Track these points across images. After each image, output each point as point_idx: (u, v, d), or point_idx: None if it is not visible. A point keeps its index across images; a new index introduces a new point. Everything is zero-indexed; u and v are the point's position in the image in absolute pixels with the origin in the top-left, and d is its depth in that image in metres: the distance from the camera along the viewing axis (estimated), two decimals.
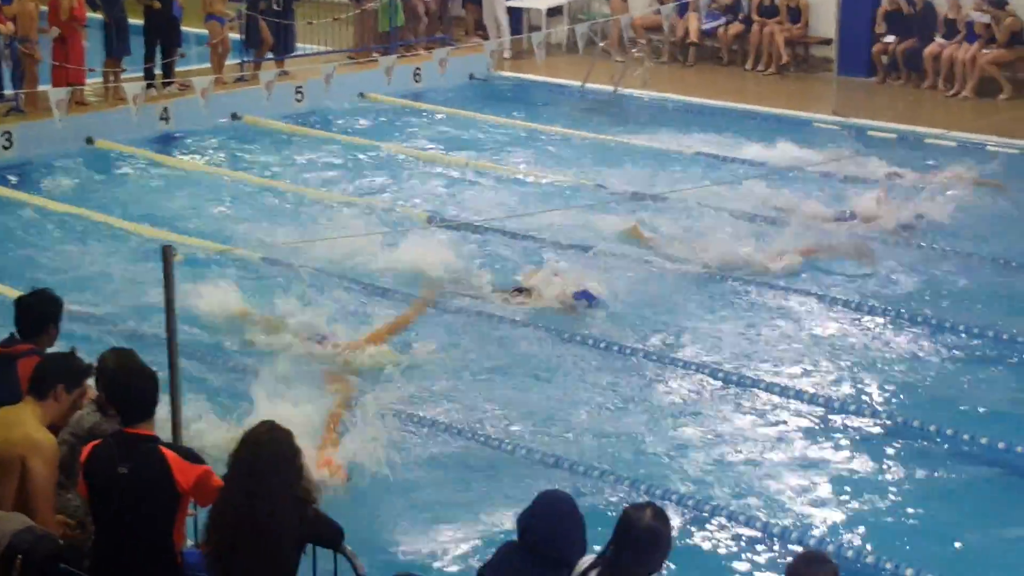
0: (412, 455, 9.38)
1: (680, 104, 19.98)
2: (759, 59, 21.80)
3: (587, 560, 5.50)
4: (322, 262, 13.13)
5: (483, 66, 21.91)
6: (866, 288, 12.76)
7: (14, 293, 9.91)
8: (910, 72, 20.56)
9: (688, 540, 8.40)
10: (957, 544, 8.53)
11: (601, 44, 22.00)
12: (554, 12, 23.53)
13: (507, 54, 22.78)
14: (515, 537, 5.77)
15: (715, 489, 9.08)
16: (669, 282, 12.86)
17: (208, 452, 7.46)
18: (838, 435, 9.90)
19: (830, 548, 8.09)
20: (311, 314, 11.63)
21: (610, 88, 20.50)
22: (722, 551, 8.41)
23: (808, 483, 9.22)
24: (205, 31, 19.83)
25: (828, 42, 21.59)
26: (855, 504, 8.96)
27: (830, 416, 10.15)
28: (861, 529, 8.64)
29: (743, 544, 8.46)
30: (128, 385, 6.36)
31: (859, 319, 12.02)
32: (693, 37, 22.27)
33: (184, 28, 19.80)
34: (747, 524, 8.59)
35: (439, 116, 19.67)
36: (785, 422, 10.11)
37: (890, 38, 20.67)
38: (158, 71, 18.99)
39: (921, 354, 11.25)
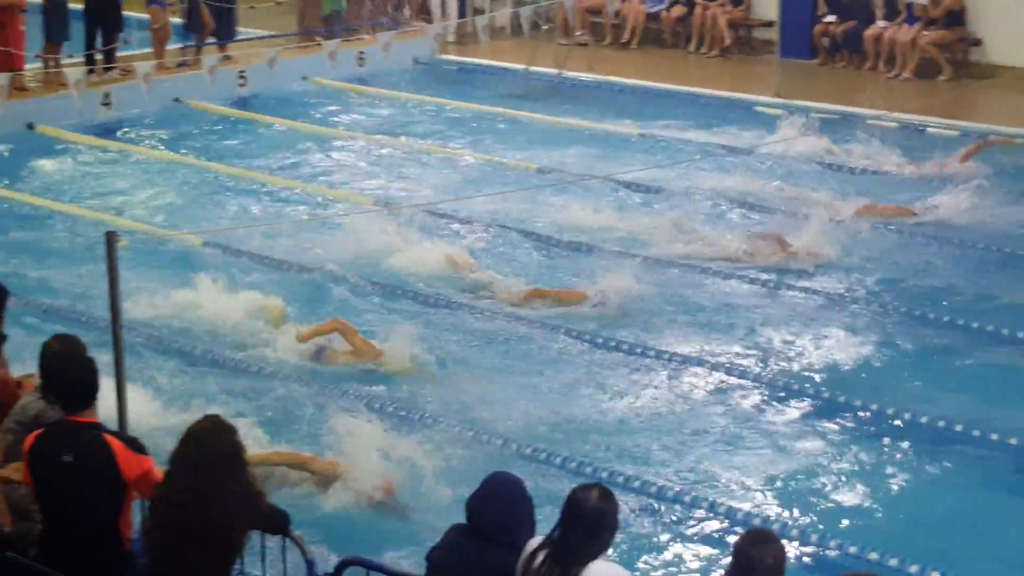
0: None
1: (624, 87, 19.97)
2: (702, 42, 21.86)
3: (536, 541, 5.50)
4: (267, 248, 13.04)
5: (427, 50, 21.82)
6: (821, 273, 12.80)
7: None
8: (851, 54, 20.69)
9: (636, 521, 8.40)
10: (906, 522, 8.60)
11: (545, 27, 21.99)
12: None
13: (451, 38, 22.72)
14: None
15: (661, 470, 9.08)
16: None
17: None
18: (788, 416, 9.94)
19: (776, 527, 8.10)
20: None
21: (555, 71, 20.49)
22: (668, 531, 8.40)
23: (757, 463, 9.24)
24: (146, 16, 19.63)
25: (770, 24, 21.74)
26: (804, 485, 8.99)
27: (778, 396, 10.20)
28: (809, 509, 8.67)
29: (689, 524, 8.47)
30: (67, 371, 6.25)
31: (809, 302, 12.09)
32: (636, 20, 22.30)
33: (125, 13, 19.54)
34: (693, 504, 8.61)
35: (383, 100, 19.59)
36: (732, 403, 10.14)
37: (831, 19, 20.79)
38: (99, 56, 18.79)
39: (871, 336, 11.31)
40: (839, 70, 20.60)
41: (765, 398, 10.21)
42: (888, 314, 11.73)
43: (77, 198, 14.93)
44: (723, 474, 9.10)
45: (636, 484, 8.81)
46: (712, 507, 8.57)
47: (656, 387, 10.37)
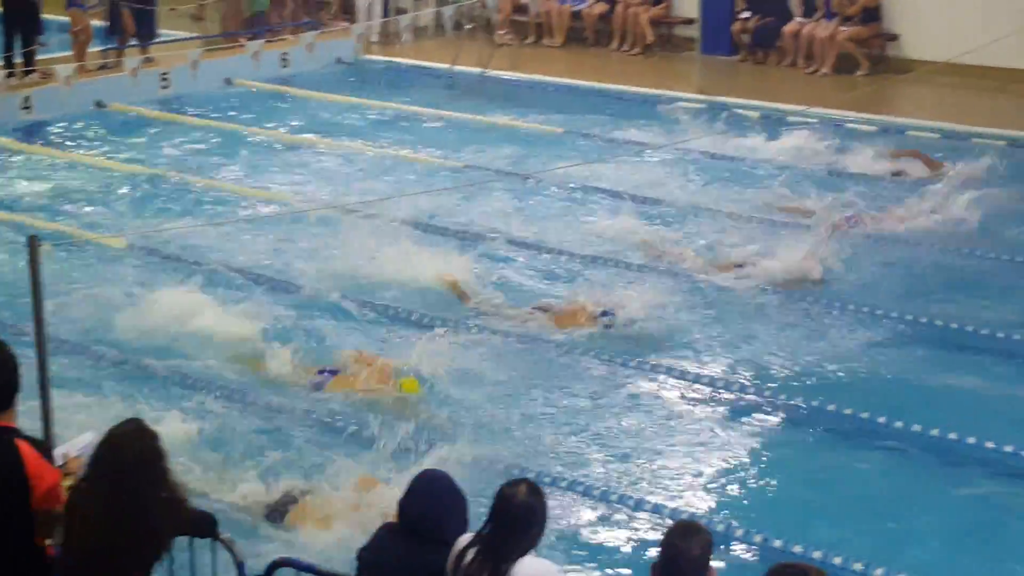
0: None
1: (548, 85, 19.99)
2: (624, 39, 21.93)
3: (465, 539, 5.48)
4: (192, 249, 12.91)
5: (351, 50, 21.72)
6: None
7: None
8: (770, 50, 20.85)
9: (568, 518, 8.37)
10: (841, 520, 8.55)
11: (468, 26, 21.95)
12: None
13: (375, 38, 22.63)
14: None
15: (590, 468, 9.05)
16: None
17: None
18: (722, 413, 9.92)
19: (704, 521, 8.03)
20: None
21: (479, 70, 20.47)
22: (598, 527, 8.37)
23: (686, 461, 9.21)
24: (67, 18, 19.40)
25: (691, 22, 21.85)
26: (739, 480, 8.99)
27: (715, 395, 10.19)
28: (742, 505, 8.69)
29: (618, 520, 8.43)
30: None
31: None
32: (559, 19, 22.33)
33: (45, 16, 19.24)
34: (620, 502, 8.56)
35: (307, 100, 19.45)
36: (665, 402, 10.14)
37: (747, 14, 20.93)
38: (18, 60, 18.49)
39: (821, 336, 11.22)
40: (759, 66, 20.75)
41: (701, 396, 10.18)
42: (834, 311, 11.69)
43: None
44: (656, 471, 9.05)
45: (564, 483, 8.76)
46: (639, 504, 8.53)
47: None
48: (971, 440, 9.25)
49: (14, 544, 5.78)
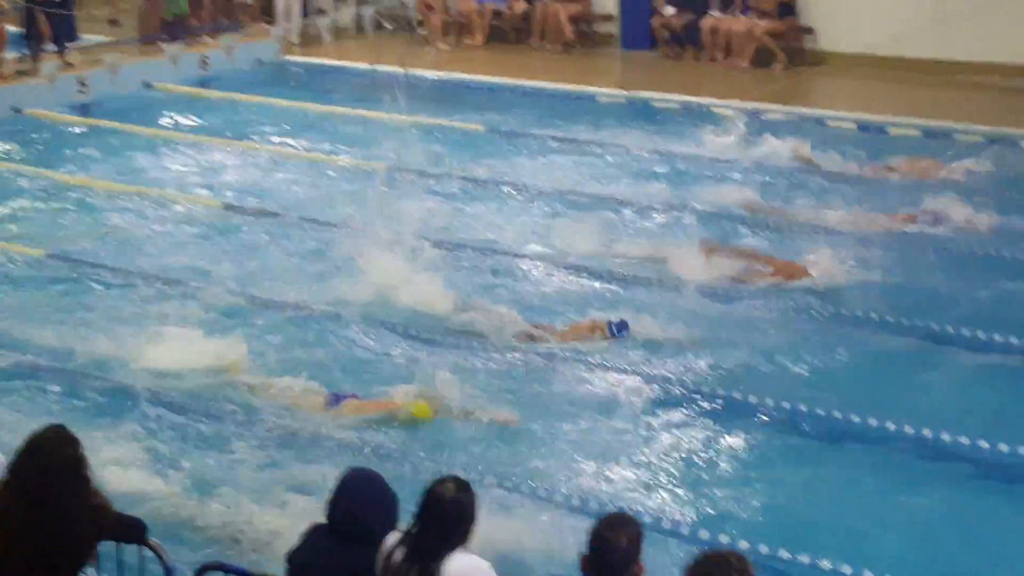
0: None
1: (471, 83, 19.98)
2: (544, 37, 21.94)
3: (394, 537, 5.43)
4: (117, 257, 12.75)
5: (271, 52, 21.58)
6: None
7: None
8: (690, 45, 20.94)
9: (496, 515, 8.26)
10: (772, 510, 8.48)
11: (389, 27, 21.89)
12: None
13: (295, 39, 22.46)
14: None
15: (515, 462, 8.92)
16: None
17: None
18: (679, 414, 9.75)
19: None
20: None
21: (400, 70, 20.36)
22: (523, 523, 8.11)
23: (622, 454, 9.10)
24: None
25: (610, 18, 21.91)
26: (668, 473, 8.91)
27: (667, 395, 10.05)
28: (671, 497, 8.61)
29: (543, 515, 8.21)
30: None
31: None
32: (479, 18, 22.29)
33: None
34: (547, 498, 8.44)
35: (228, 103, 19.28)
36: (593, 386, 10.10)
37: (669, 11, 21.02)
38: None
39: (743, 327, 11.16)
40: (679, 61, 20.83)
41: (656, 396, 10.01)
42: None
43: None
44: (577, 466, 8.93)
45: (489, 480, 8.63)
46: (567, 500, 8.42)
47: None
48: (946, 437, 9.18)
49: None
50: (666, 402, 9.87)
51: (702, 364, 10.46)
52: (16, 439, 5.87)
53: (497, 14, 22.33)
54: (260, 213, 14.12)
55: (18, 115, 18.12)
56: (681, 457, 9.11)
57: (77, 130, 17.90)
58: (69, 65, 19.42)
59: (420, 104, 18.73)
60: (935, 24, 18.47)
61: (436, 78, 20.16)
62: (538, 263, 12.58)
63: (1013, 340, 10.72)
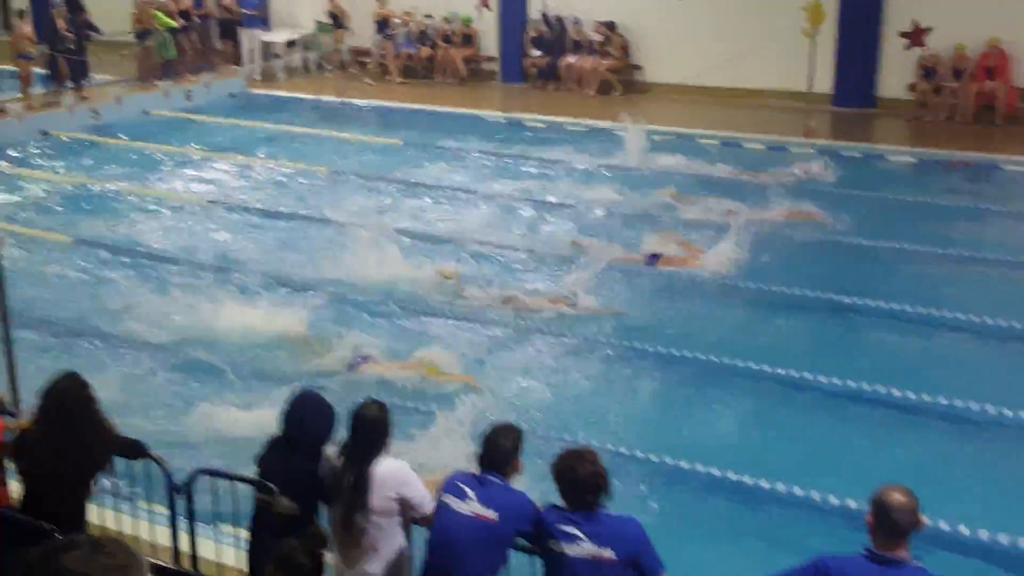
0: None
1: (391, 108, 19.81)
2: (445, 73, 21.84)
3: (333, 450, 5.31)
4: (127, 241, 12.49)
5: (239, 86, 21.21)
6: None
7: None
8: (551, 79, 20.99)
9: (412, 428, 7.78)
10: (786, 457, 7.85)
11: (328, 67, 21.60)
12: (291, 44, 22.94)
13: (258, 77, 22.09)
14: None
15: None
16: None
17: None
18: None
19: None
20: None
21: (338, 99, 20.17)
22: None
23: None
24: (15, 67, 18.54)
25: (493, 59, 21.86)
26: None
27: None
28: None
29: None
30: None
31: None
32: (393, 60, 22.12)
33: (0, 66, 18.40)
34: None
35: (207, 125, 18.94)
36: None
37: (536, 53, 21.05)
38: None
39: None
40: (544, 91, 20.87)
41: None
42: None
43: None
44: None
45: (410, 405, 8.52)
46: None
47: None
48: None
49: None
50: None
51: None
52: None
53: (410, 56, 22.17)
54: (233, 207, 13.93)
55: (46, 136, 17.63)
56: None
57: (91, 146, 17.46)
58: (84, 98, 18.98)
59: (354, 124, 18.67)
60: (727, 61, 18.70)
61: (365, 105, 19.99)
62: (449, 243, 12.42)
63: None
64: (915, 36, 17.82)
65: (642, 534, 4.68)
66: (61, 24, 18.94)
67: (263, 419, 7.06)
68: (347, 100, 20.09)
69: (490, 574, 4.88)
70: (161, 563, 5.84)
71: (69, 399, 5.41)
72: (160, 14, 20.77)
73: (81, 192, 14.90)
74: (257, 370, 9.06)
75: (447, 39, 21.86)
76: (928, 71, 17.78)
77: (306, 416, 5.33)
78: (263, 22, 22.98)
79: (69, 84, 19.12)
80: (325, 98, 20.28)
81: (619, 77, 20.38)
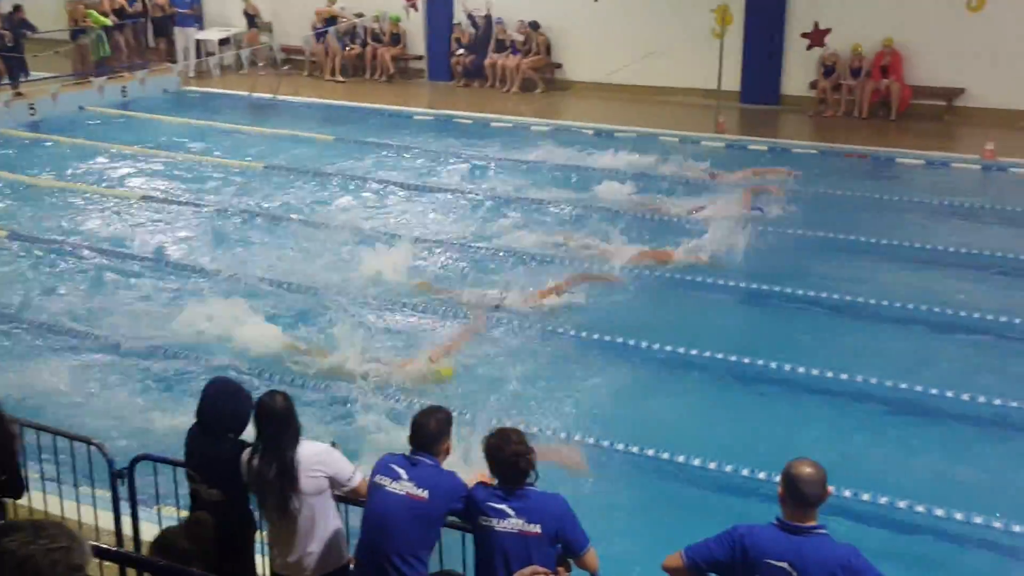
0: None
1: (323, 106, 19.61)
2: (375, 71, 21.67)
3: (247, 450, 5.11)
4: (62, 233, 12.19)
5: (174, 83, 20.80)
6: None
7: None
8: (477, 77, 20.95)
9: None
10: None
11: (260, 64, 21.29)
12: (224, 42, 22.56)
13: (192, 73, 21.69)
14: None
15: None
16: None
17: None
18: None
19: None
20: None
21: (270, 95, 19.89)
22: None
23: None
24: None
25: (420, 58, 21.75)
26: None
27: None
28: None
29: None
30: None
31: None
32: (329, 57, 21.87)
33: None
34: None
35: (142, 121, 18.54)
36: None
37: (461, 52, 20.98)
38: None
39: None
40: (470, 88, 20.83)
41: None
42: None
43: None
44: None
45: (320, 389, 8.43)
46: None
47: None
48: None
49: None
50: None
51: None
52: None
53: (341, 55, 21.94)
54: (168, 200, 13.68)
55: None
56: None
57: (28, 142, 16.97)
58: (20, 95, 18.45)
59: (286, 120, 18.45)
60: (641, 61, 18.85)
61: (297, 101, 19.75)
62: (383, 235, 12.28)
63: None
64: (815, 37, 18.18)
65: (568, 510, 4.71)
66: None
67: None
68: (279, 97, 19.82)
69: (422, 550, 4.88)
70: (104, 546, 5.72)
71: None
72: (94, 12, 20.31)
73: (16, 187, 14.48)
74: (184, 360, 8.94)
75: (376, 38, 21.68)
76: (828, 70, 18.15)
77: (218, 402, 5.19)
78: (197, 20, 22.55)
79: (6, 81, 18.61)
80: (258, 95, 19.99)
81: (541, 75, 20.42)
